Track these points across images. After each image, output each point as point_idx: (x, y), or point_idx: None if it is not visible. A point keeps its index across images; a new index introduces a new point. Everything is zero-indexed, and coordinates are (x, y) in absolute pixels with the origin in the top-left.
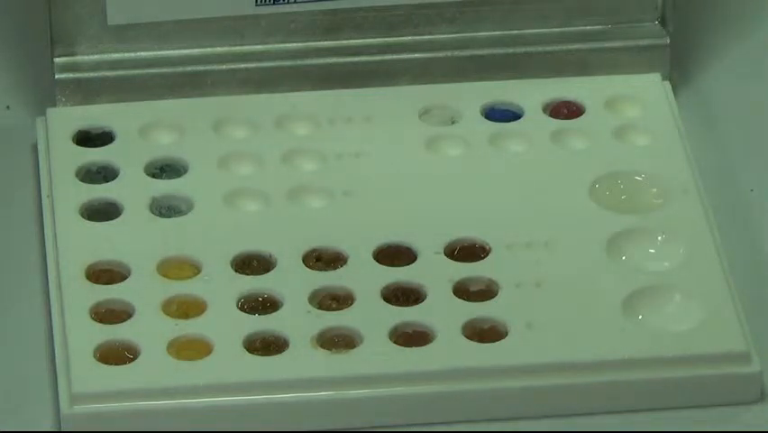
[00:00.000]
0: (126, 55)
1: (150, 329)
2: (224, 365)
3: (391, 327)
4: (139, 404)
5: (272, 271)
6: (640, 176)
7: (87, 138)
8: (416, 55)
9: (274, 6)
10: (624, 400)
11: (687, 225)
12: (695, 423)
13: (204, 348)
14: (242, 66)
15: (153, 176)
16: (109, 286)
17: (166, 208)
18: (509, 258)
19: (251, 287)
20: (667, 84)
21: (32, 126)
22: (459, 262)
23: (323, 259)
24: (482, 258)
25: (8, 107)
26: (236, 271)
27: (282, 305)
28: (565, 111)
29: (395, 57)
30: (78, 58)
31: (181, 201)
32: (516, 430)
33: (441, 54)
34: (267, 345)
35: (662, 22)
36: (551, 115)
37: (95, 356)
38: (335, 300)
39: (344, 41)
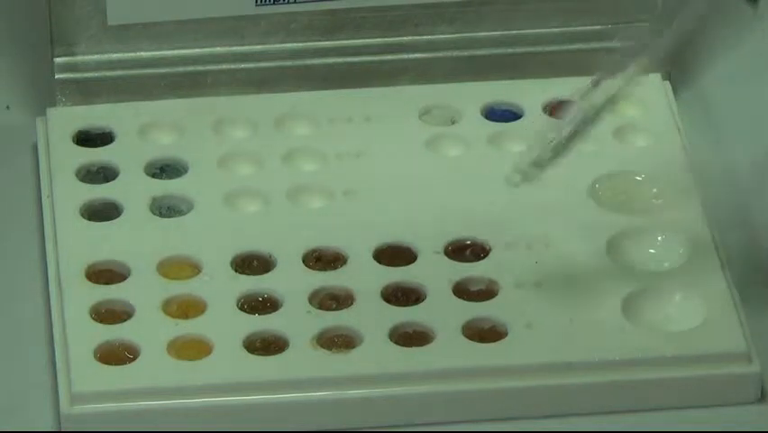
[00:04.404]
0: (126, 55)
1: (150, 329)
2: (224, 365)
3: (391, 327)
4: (139, 404)
5: (272, 271)
6: (640, 176)
7: (87, 138)
8: (416, 55)
9: (274, 6)
10: (624, 400)
11: (687, 225)
12: (695, 423)
13: (204, 348)
14: (242, 66)
15: (153, 176)
16: (109, 286)
17: (166, 208)
18: (509, 258)
19: (251, 287)
20: (667, 84)
21: (32, 126)
22: (459, 262)
23: (323, 259)
24: (482, 258)
25: (8, 107)
26: (236, 271)
27: (282, 305)
28: None
29: (395, 57)
30: (78, 58)
31: (181, 201)
32: (516, 430)
33: (441, 54)
34: (267, 345)
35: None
36: (551, 115)
37: (95, 356)
38: (335, 300)
39: (344, 41)
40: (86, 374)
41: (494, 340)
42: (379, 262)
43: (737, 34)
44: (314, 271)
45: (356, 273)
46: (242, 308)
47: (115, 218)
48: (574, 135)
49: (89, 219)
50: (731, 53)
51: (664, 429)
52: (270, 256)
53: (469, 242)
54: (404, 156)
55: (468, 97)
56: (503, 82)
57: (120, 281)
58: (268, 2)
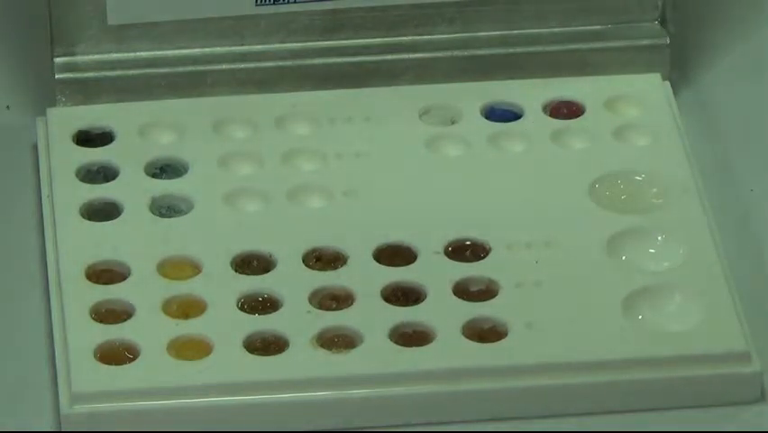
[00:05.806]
0: (126, 55)
1: (150, 329)
2: (224, 365)
3: (391, 326)
4: (139, 404)
5: (272, 271)
6: (640, 176)
7: (87, 138)
8: (416, 55)
9: (274, 6)
10: (624, 401)
11: (687, 225)
12: (695, 423)
13: (204, 348)
14: (242, 66)
15: (153, 176)
16: (109, 286)
17: (166, 208)
18: (509, 258)
19: (251, 287)
20: (667, 84)
21: (32, 126)
22: (459, 262)
23: (323, 259)
24: (482, 258)
25: (8, 107)
26: (236, 271)
27: (282, 305)
28: (565, 111)
29: (395, 57)
30: (78, 58)
31: (181, 201)
32: (516, 430)
33: (441, 54)
34: (267, 345)
35: (662, 22)
36: (551, 115)
37: (95, 356)
38: (335, 300)
39: (344, 41)
40: (86, 374)
41: (494, 340)
42: (379, 262)
43: (738, 34)
44: (314, 271)
45: (356, 273)
46: (242, 308)
47: (115, 218)
48: None
49: (89, 219)
50: (731, 53)
51: (664, 429)
52: (270, 256)
53: (469, 242)
54: (404, 156)
55: (468, 97)
56: (503, 82)
57: (120, 281)
58: (268, 2)
